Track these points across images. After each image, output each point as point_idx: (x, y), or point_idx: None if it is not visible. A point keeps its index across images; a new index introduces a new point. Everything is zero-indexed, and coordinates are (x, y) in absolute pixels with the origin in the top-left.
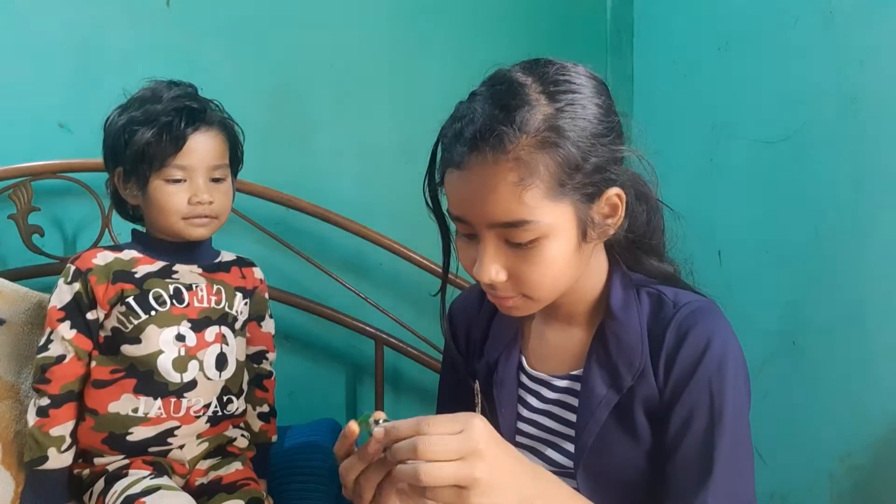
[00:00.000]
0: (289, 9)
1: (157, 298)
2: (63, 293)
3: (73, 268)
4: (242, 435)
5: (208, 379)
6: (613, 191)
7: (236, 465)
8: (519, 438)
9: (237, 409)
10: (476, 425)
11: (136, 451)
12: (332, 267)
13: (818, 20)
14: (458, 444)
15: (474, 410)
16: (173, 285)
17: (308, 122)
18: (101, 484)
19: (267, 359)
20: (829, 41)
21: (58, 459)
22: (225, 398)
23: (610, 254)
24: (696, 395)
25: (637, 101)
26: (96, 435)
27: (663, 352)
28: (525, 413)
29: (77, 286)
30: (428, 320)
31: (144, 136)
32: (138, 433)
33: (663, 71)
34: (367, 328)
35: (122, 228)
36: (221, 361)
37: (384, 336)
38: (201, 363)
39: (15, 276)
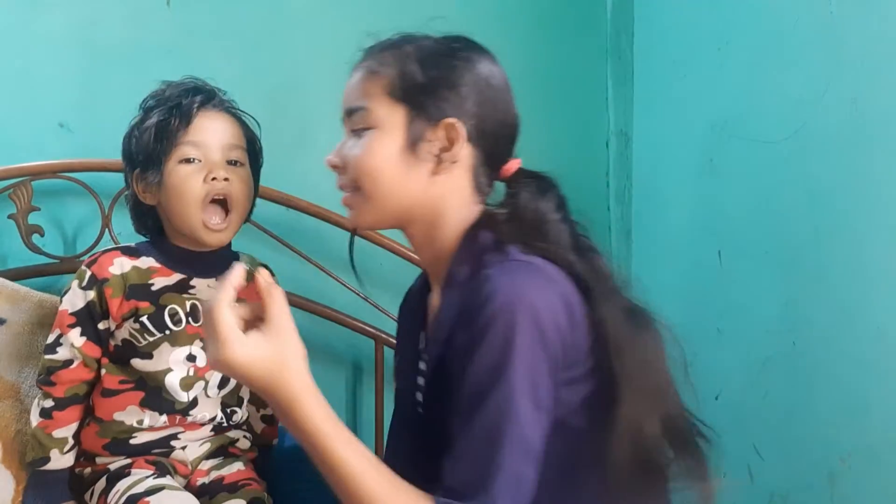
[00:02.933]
0: (288, 9)
1: (173, 317)
2: (76, 298)
3: (88, 273)
4: (245, 436)
5: (208, 397)
6: (450, 119)
7: (238, 466)
8: (421, 410)
9: (241, 417)
10: (290, 336)
11: (139, 453)
12: (332, 267)
13: (818, 20)
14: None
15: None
16: (190, 301)
17: (308, 122)
18: (102, 483)
19: None
20: (829, 41)
21: (60, 461)
22: (228, 410)
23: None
24: (462, 349)
25: (637, 101)
26: (99, 440)
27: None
28: (421, 382)
29: (91, 295)
30: None
31: (156, 118)
32: (141, 437)
33: (663, 71)
34: (367, 328)
35: (123, 228)
36: (225, 381)
37: (384, 336)
38: (206, 383)
39: (15, 275)
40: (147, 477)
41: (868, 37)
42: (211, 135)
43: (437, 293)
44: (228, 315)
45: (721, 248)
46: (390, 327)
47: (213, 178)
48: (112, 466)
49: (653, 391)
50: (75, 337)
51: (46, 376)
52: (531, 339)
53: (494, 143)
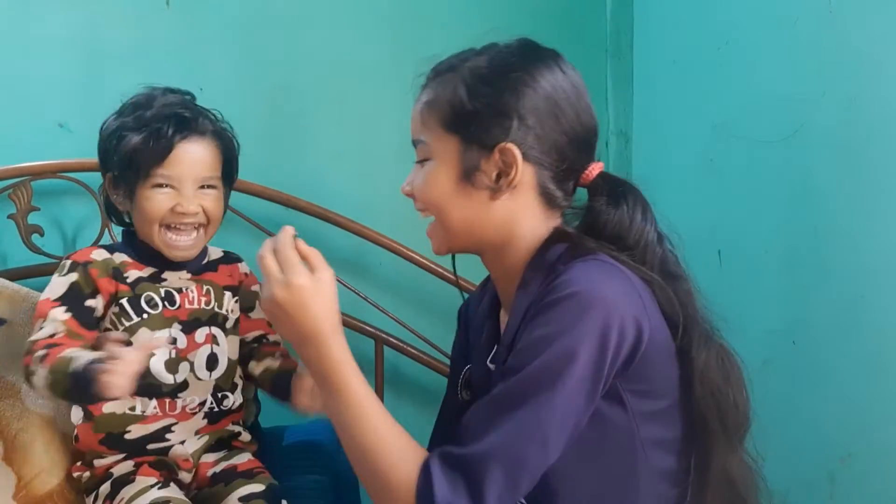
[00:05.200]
0: (288, 9)
1: (149, 301)
2: (56, 286)
3: (69, 262)
4: (245, 430)
5: (199, 379)
6: (504, 144)
7: (247, 456)
8: None
9: (234, 402)
10: (328, 277)
11: (135, 449)
12: (333, 267)
13: (818, 20)
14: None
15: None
16: (164, 289)
17: (308, 122)
18: (107, 487)
19: (268, 339)
20: (829, 41)
21: (82, 358)
22: (220, 395)
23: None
24: (529, 332)
25: (637, 101)
26: (94, 436)
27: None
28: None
29: (74, 276)
30: (428, 320)
31: (132, 141)
32: (135, 431)
33: (663, 71)
34: (367, 328)
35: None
36: (212, 361)
37: (384, 336)
38: (192, 364)
39: (15, 276)
40: (152, 486)
41: (867, 37)
42: (187, 167)
43: (507, 309)
44: (295, 253)
45: (721, 248)
46: (390, 327)
47: (183, 212)
48: (114, 470)
49: (740, 436)
50: (59, 313)
51: (29, 349)
52: (596, 336)
53: (562, 155)
